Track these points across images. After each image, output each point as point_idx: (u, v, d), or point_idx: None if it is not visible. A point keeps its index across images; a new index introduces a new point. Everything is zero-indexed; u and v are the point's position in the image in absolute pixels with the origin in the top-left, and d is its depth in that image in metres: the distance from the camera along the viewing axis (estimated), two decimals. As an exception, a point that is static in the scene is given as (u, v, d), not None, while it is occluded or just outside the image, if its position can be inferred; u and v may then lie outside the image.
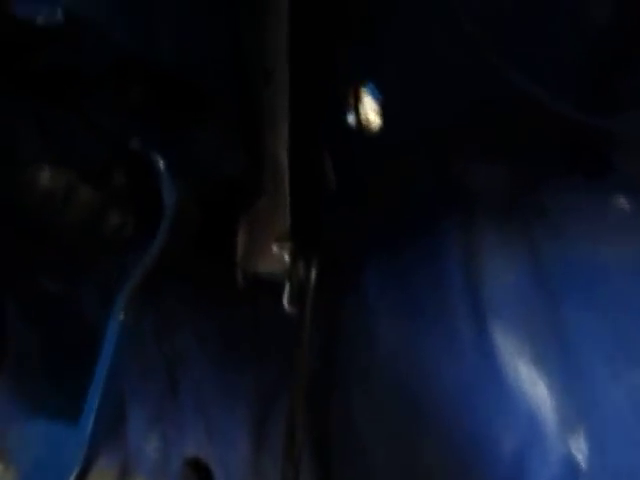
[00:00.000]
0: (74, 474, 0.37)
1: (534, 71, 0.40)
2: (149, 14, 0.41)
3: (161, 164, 0.42)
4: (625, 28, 0.39)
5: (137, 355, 0.63)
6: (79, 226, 0.42)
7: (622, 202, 0.43)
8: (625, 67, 0.42)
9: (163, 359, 0.66)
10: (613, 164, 0.44)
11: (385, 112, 0.53)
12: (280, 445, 0.60)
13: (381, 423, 0.47)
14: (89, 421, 0.40)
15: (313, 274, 0.48)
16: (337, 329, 0.49)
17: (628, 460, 0.36)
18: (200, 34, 0.46)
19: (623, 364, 0.37)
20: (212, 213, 0.49)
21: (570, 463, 0.36)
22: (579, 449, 0.36)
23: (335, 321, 0.50)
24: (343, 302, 0.51)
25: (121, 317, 0.42)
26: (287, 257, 0.49)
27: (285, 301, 0.50)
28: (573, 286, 0.42)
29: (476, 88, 0.47)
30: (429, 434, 0.43)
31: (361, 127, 0.54)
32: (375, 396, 0.47)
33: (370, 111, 0.57)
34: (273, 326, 0.58)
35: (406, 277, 0.46)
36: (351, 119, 0.54)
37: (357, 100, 0.54)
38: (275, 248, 0.49)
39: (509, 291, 0.42)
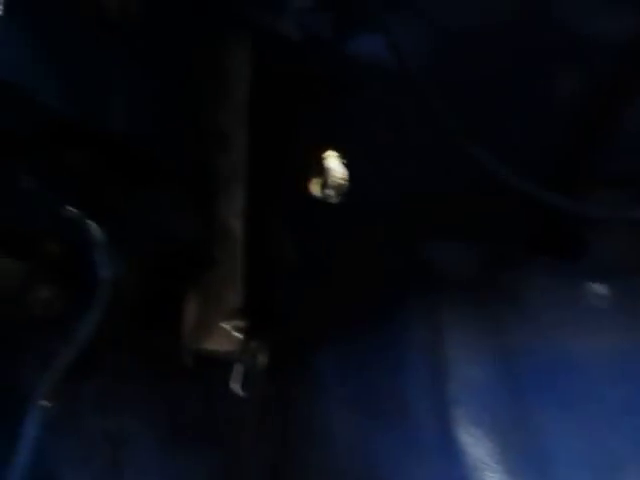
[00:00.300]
0: None
1: (503, 152, 0.38)
2: (95, 80, 0.38)
3: (97, 233, 0.38)
4: (599, 108, 0.38)
5: (75, 432, 0.58)
6: (6, 299, 0.37)
7: (598, 288, 0.40)
8: (598, 148, 0.40)
9: (105, 437, 0.61)
10: (589, 247, 0.41)
11: (350, 181, 0.50)
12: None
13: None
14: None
15: (264, 355, 0.44)
16: (292, 418, 0.45)
17: None
18: (154, 101, 0.43)
19: (606, 473, 0.33)
20: (158, 283, 0.45)
21: None
22: None
23: (290, 408, 0.46)
24: (298, 387, 0.47)
25: (44, 403, 0.38)
26: (238, 335, 0.45)
27: (234, 383, 0.45)
28: (544, 383, 0.38)
29: (444, 166, 0.45)
30: None
31: (324, 196, 0.51)
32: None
33: (334, 179, 0.54)
34: (226, 407, 0.53)
35: (366, 364, 0.42)
36: (314, 187, 0.51)
37: (321, 167, 0.51)
38: (225, 325, 0.45)
39: (475, 385, 0.38)
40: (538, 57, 0.39)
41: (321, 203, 0.51)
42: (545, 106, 0.39)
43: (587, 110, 0.38)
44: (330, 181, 0.53)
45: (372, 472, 0.39)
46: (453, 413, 0.38)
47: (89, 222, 0.38)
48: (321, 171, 0.51)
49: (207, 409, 0.57)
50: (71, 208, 0.38)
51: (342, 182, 0.52)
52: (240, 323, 0.45)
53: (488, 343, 0.39)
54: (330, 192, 0.51)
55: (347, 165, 0.50)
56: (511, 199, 0.41)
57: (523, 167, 0.37)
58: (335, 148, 0.50)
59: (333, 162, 0.54)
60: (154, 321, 0.48)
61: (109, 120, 0.40)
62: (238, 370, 0.45)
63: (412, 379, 0.40)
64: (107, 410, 0.59)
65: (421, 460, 0.37)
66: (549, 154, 0.39)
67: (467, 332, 0.40)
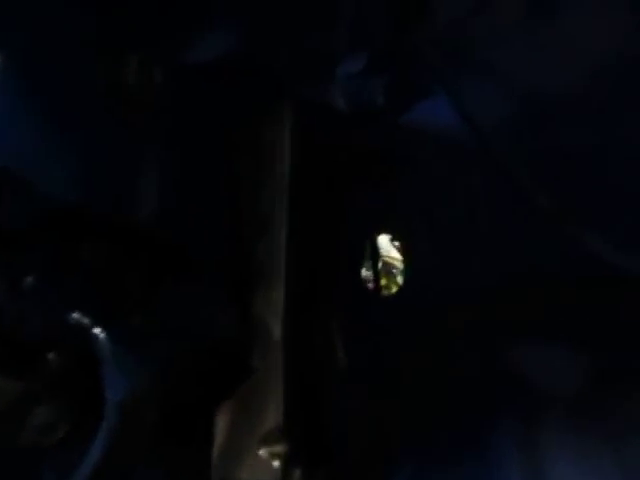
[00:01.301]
0: None
1: (606, 233, 0.30)
2: (116, 165, 0.33)
3: (106, 345, 0.31)
4: None
5: None
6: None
7: None
8: None
9: None
10: None
11: (411, 270, 0.42)
12: None
13: None
14: None
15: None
16: None
17: None
18: (185, 183, 0.38)
19: None
20: (185, 395, 0.38)
21: None
22: None
23: None
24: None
25: None
26: (277, 464, 0.36)
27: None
28: None
29: (529, 254, 0.37)
30: None
31: (379, 287, 0.43)
32: None
33: (390, 267, 0.47)
34: None
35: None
36: (367, 277, 0.43)
37: (374, 254, 0.44)
38: (262, 451, 0.37)
39: None
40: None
41: (376, 296, 0.43)
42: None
43: None
44: (385, 270, 0.46)
45: None
46: None
47: (97, 331, 0.31)
48: (374, 259, 0.44)
49: None
50: (78, 314, 0.31)
51: (399, 270, 0.45)
52: (280, 448, 0.36)
53: (601, 470, 0.30)
54: (385, 283, 0.44)
55: (406, 251, 0.43)
56: (620, 291, 0.33)
57: (631, 249, 0.29)
58: (392, 232, 0.43)
59: (389, 247, 0.47)
60: (183, 436, 0.40)
61: (133, 210, 0.35)
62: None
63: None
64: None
65: None
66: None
67: (575, 459, 0.30)
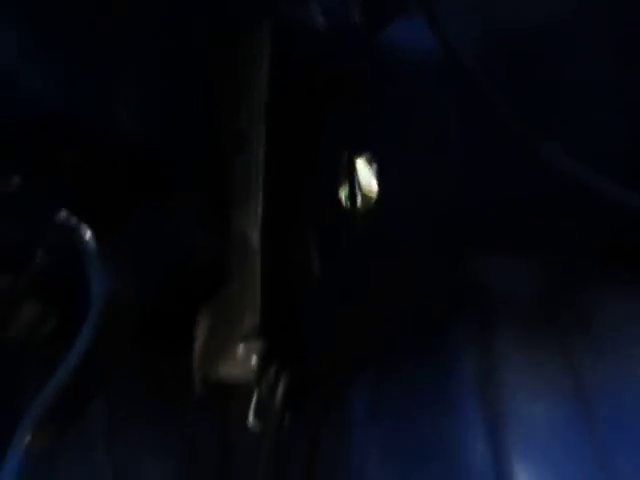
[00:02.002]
0: None
1: (573, 152, 0.32)
2: (100, 76, 0.34)
3: (91, 242, 0.33)
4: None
5: (84, 466, 0.53)
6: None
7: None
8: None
9: (112, 469, 0.56)
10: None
11: (385, 188, 0.44)
12: None
13: None
14: None
15: (283, 383, 0.38)
16: (316, 461, 0.38)
17: None
18: (165, 100, 0.39)
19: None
20: (166, 301, 0.40)
21: None
22: None
23: (313, 450, 0.39)
24: (324, 425, 0.40)
25: (27, 439, 0.32)
26: (255, 360, 0.39)
27: (251, 416, 0.40)
28: (624, 428, 0.31)
29: (495, 171, 0.39)
30: None
31: (355, 204, 0.45)
32: None
33: (367, 186, 0.49)
34: (242, 444, 0.47)
35: (406, 400, 0.36)
36: (343, 194, 0.45)
37: (351, 171, 0.46)
38: (241, 348, 0.39)
39: (540, 426, 0.32)
40: (615, 47, 0.33)
41: (350, 214, 0.45)
42: (621, 100, 0.33)
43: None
44: (359, 189, 0.47)
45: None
46: (510, 463, 0.31)
47: (84, 229, 0.33)
48: (349, 178, 0.46)
49: (222, 443, 0.51)
50: (64, 213, 0.33)
51: (373, 190, 0.47)
52: (257, 346, 0.39)
53: (552, 376, 0.33)
54: (359, 202, 0.46)
55: (379, 171, 0.45)
56: (579, 205, 0.35)
57: (596, 168, 0.31)
58: (365, 152, 0.45)
59: (362, 168, 0.49)
60: (163, 343, 0.43)
61: (114, 119, 0.36)
62: (254, 400, 0.40)
63: (461, 419, 0.33)
64: (117, 443, 0.54)
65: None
66: (626, 154, 0.33)
67: (528, 365, 0.33)
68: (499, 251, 0.38)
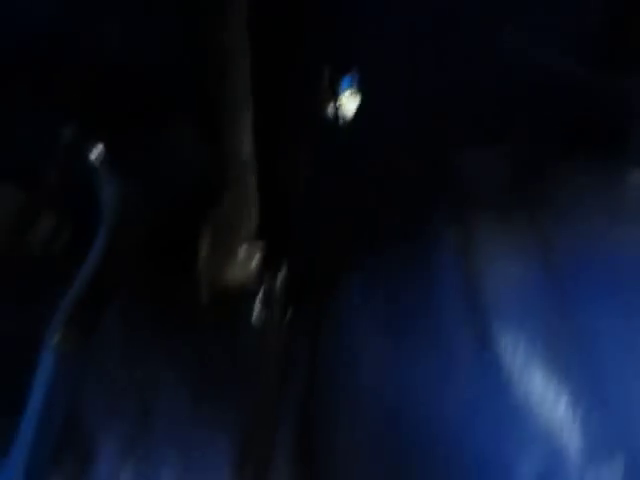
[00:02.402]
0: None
1: (540, 29, 0.34)
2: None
3: (99, 155, 0.36)
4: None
5: (101, 381, 0.57)
6: (3, 232, 0.35)
7: (635, 178, 0.37)
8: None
9: (134, 387, 0.60)
10: (628, 137, 0.37)
11: (366, 96, 0.47)
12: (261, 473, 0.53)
13: (369, 465, 0.40)
14: (22, 456, 0.35)
15: (281, 279, 0.42)
16: (315, 348, 0.43)
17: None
18: (152, 27, 0.41)
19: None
20: (169, 216, 0.43)
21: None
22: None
23: (317, 336, 0.44)
24: (323, 313, 0.44)
25: (55, 341, 0.36)
26: (256, 262, 0.43)
27: (255, 312, 0.44)
28: (589, 280, 0.35)
29: (466, 65, 0.41)
30: (428, 470, 0.36)
31: (339, 114, 0.48)
32: (361, 435, 0.40)
33: (349, 96, 0.51)
34: (249, 342, 0.52)
35: (393, 283, 0.40)
36: (328, 105, 0.48)
37: (334, 85, 0.48)
38: (242, 252, 0.43)
39: (513, 292, 0.36)
40: None
41: (334, 121, 0.48)
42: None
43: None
44: (341, 97, 0.50)
45: (400, 399, 0.37)
46: (491, 324, 0.35)
47: (91, 144, 0.36)
48: (331, 92, 0.48)
49: (234, 347, 0.55)
50: (74, 131, 0.36)
51: (354, 97, 0.49)
52: (256, 249, 0.43)
53: (526, 249, 0.36)
54: (342, 109, 0.48)
55: (359, 82, 0.47)
56: (543, 93, 0.38)
57: (562, 45, 0.34)
58: (344, 59, 0.47)
59: (343, 81, 0.51)
60: (170, 258, 0.46)
61: (100, 39, 0.38)
62: (257, 298, 0.43)
63: (443, 290, 0.37)
64: (134, 358, 0.58)
65: (455, 375, 0.35)
66: (592, 28, 0.35)
67: (503, 236, 0.37)
68: (473, 142, 0.41)
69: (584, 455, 0.31)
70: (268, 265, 0.43)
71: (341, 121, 0.49)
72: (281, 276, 0.43)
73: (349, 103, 0.51)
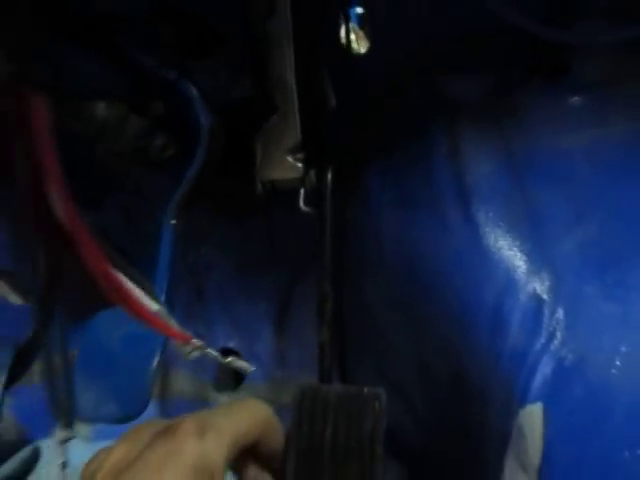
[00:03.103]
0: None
1: None
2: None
3: (194, 92, 0.49)
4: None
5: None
6: (131, 149, 0.50)
7: (577, 99, 0.53)
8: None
9: (188, 269, 0.76)
10: (571, 69, 0.53)
11: (372, 33, 0.60)
12: (299, 330, 0.71)
13: (388, 297, 0.58)
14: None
15: (329, 176, 0.57)
16: (347, 225, 0.59)
17: (577, 287, 0.47)
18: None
19: (574, 222, 0.49)
20: (232, 133, 0.57)
21: (536, 297, 0.48)
22: (542, 287, 0.48)
23: (345, 218, 0.60)
24: (351, 201, 0.61)
25: (173, 222, 0.51)
26: (300, 165, 0.57)
27: (301, 203, 0.59)
28: (539, 169, 0.52)
29: (455, 12, 0.55)
30: (428, 295, 0.54)
31: (350, 47, 0.61)
32: (384, 278, 0.58)
33: (356, 31, 0.64)
34: (286, 233, 0.68)
35: (402, 175, 0.56)
36: (342, 40, 0.60)
37: (346, 21, 0.61)
38: (289, 158, 0.57)
39: (487, 179, 0.52)
40: None
41: (350, 53, 0.61)
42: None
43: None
44: (354, 32, 0.62)
45: (411, 252, 0.54)
46: (472, 201, 0.52)
47: (185, 82, 0.49)
48: (345, 23, 0.61)
49: (272, 235, 0.71)
50: (170, 72, 0.49)
51: (365, 32, 0.62)
52: (300, 155, 0.57)
53: (496, 148, 0.52)
54: (355, 42, 0.61)
55: (369, 15, 0.60)
56: (511, 35, 0.52)
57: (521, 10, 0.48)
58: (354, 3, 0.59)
59: (355, 14, 0.63)
60: (229, 165, 0.60)
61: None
62: (303, 193, 0.59)
63: (439, 181, 0.53)
64: (189, 244, 0.73)
65: (448, 235, 0.52)
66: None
67: (480, 141, 0.53)
68: (458, 70, 0.56)
69: (526, 275, 0.49)
70: (309, 168, 0.58)
71: (353, 52, 0.62)
72: (323, 174, 0.58)
73: (358, 36, 0.64)
